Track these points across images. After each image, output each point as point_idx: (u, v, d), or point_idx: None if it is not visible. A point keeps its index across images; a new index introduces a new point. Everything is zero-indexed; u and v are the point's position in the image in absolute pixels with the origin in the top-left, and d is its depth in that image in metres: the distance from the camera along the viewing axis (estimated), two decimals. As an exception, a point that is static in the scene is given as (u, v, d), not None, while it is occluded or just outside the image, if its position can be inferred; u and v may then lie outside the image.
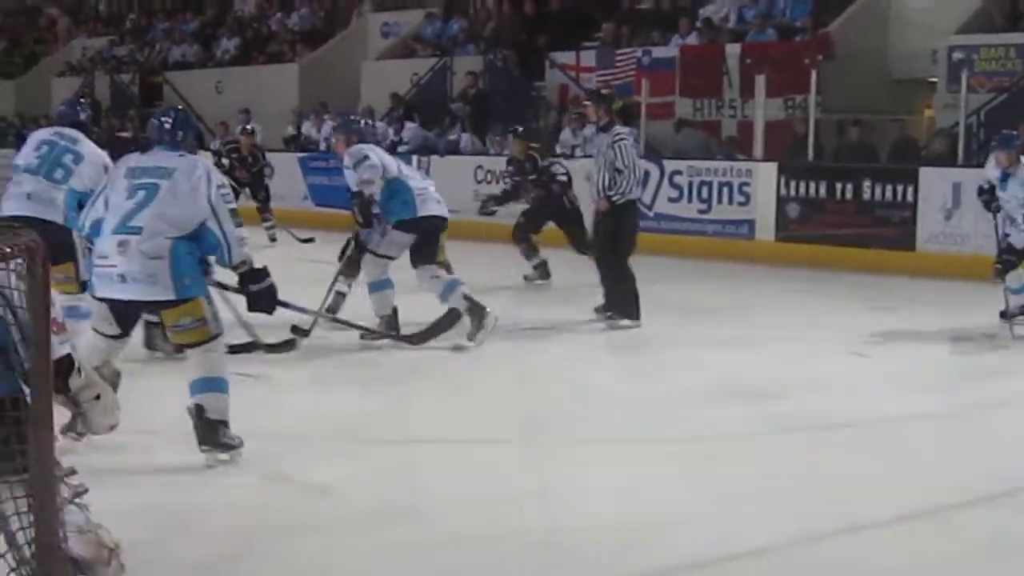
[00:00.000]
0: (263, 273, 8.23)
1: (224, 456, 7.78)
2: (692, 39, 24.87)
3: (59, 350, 4.98)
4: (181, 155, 8.09)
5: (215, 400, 7.83)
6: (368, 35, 32.22)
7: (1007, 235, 12.53)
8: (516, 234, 16.66)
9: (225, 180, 8.69)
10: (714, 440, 8.85)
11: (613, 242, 13.39)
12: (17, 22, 43.82)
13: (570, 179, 16.65)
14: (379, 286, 12.26)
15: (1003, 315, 12.46)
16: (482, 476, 7.93)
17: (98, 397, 5.24)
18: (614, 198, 13.20)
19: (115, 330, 7.95)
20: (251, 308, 8.52)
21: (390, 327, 12.08)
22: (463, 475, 7.90)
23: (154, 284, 7.63)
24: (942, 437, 9.20)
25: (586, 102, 15.64)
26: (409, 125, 26.11)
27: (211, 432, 7.69)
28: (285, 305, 8.93)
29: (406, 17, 31.56)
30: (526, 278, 16.62)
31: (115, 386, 5.45)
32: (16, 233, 4.53)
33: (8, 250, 4.35)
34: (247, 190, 21.01)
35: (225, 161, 20.97)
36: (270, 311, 8.56)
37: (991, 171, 12.61)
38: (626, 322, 13.25)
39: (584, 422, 9.35)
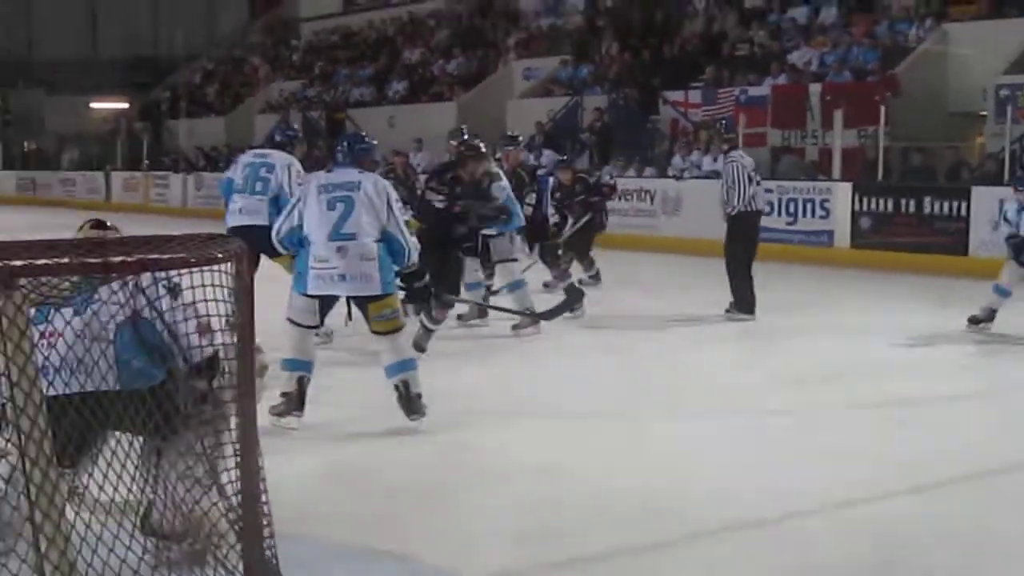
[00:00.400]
0: (422, 273, 8.47)
1: (415, 422, 8.01)
2: (781, 80, 24.83)
3: (206, 348, 5.08)
4: (361, 172, 8.22)
5: (413, 376, 8.08)
6: (513, 78, 32.33)
7: None
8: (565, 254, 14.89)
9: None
10: (796, 414, 8.89)
11: (731, 247, 13.41)
12: (227, 69, 44.29)
13: (615, 185, 16.68)
14: (518, 285, 12.39)
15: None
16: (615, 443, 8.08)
17: None
18: (727, 210, 13.34)
19: (314, 320, 8.18)
20: (408, 300, 8.71)
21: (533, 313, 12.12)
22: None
23: (368, 281, 7.92)
24: (986, 413, 9.20)
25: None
26: (546, 152, 26.24)
27: (415, 402, 7.95)
28: (438, 297, 9.16)
29: (544, 63, 31.59)
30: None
31: (261, 375, 5.50)
32: (225, 240, 4.74)
33: (220, 255, 4.57)
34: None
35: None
36: (425, 302, 8.75)
37: (1012, 210, 12.18)
38: (742, 316, 13.25)
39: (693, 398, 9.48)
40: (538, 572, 5.55)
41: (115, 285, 4.84)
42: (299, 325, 8.12)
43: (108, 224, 5.69)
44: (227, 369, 5.00)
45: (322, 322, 8.58)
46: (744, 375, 10.61)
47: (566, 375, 10.42)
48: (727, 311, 13.37)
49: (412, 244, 8.16)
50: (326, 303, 8.31)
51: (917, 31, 24.15)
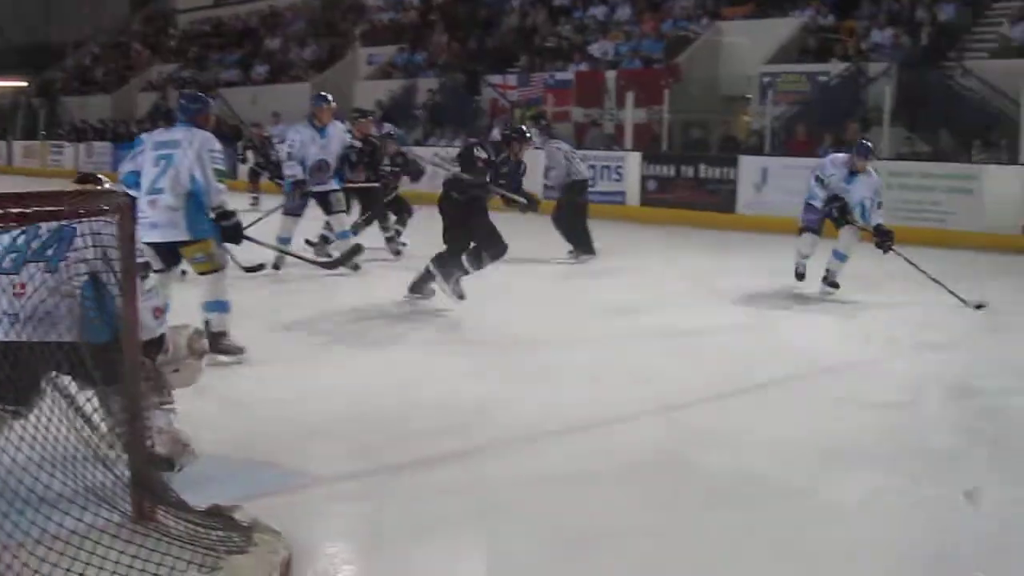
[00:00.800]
0: (232, 214, 8.13)
1: (224, 359, 7.60)
2: (583, 67, 24.86)
3: (159, 328, 5.02)
4: (189, 129, 7.85)
5: (219, 318, 7.76)
6: (358, 63, 31.90)
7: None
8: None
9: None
10: (596, 343, 8.86)
11: (564, 209, 14.19)
12: (112, 53, 43.20)
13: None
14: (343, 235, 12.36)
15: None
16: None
17: (177, 370, 5.18)
18: (552, 183, 14.78)
19: (160, 265, 7.65)
20: (223, 239, 8.39)
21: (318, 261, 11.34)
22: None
23: (175, 228, 7.56)
24: (751, 337, 9.23)
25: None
26: (387, 125, 26.04)
27: (215, 341, 7.45)
28: (251, 239, 8.78)
29: (385, 51, 31.20)
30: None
31: (199, 357, 5.30)
32: (111, 195, 4.46)
33: (106, 207, 4.30)
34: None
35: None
36: (237, 242, 8.46)
37: (833, 169, 11.15)
38: (587, 256, 13.87)
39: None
40: (385, 471, 5.39)
41: (87, 249, 4.47)
42: (154, 270, 7.80)
43: (94, 177, 5.46)
44: (170, 347, 5.10)
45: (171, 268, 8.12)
46: (570, 307, 10.64)
47: (417, 311, 10.12)
48: (570, 252, 13.91)
49: (214, 186, 7.66)
50: (161, 249, 7.84)
51: (695, 27, 24.35)
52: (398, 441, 5.85)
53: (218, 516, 4.31)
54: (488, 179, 10.06)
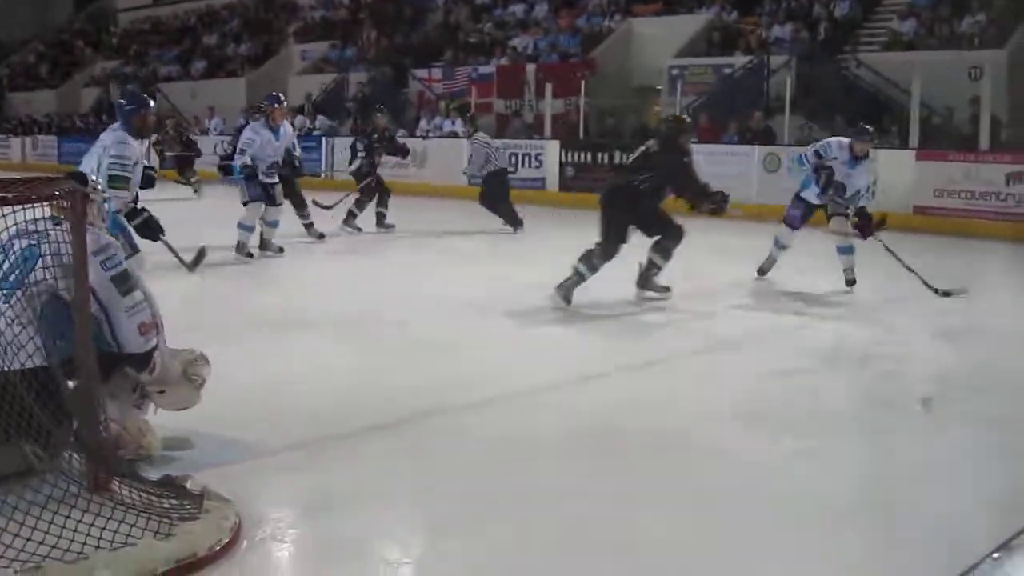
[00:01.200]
0: (140, 212, 8.00)
1: None
2: (505, 61, 24.82)
3: (145, 345, 4.68)
4: (114, 131, 8.00)
5: None
6: (292, 59, 31.57)
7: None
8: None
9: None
10: (519, 318, 8.82)
11: (489, 195, 15.05)
12: (56, 51, 42.46)
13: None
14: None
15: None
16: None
17: (162, 392, 4.94)
18: (474, 173, 15.47)
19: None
20: (142, 236, 8.27)
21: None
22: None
23: None
24: (665, 315, 9.21)
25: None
26: (320, 117, 25.95)
27: None
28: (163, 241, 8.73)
29: (317, 47, 30.95)
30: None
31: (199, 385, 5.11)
32: (60, 182, 4.35)
33: (57, 193, 4.21)
34: None
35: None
36: (154, 238, 8.34)
37: (837, 152, 10.14)
38: (519, 230, 14.69)
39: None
40: (330, 441, 5.33)
41: (49, 269, 4.30)
42: None
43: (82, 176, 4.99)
44: (156, 367, 4.78)
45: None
46: (497, 283, 10.64)
47: (360, 292, 10.07)
48: (504, 226, 14.73)
49: (105, 178, 7.62)
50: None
51: (609, 23, 24.39)
52: (338, 412, 5.79)
53: (171, 485, 4.30)
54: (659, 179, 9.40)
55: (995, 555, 3.91)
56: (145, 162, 8.75)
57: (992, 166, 15.05)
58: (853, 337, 8.45)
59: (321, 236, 13.40)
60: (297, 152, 12.43)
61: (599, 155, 19.29)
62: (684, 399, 6.35)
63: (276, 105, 12.11)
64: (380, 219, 14.73)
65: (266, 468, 4.96)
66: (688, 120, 10.66)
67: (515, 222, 14.80)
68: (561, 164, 19.79)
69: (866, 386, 6.98)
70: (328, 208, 14.49)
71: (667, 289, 9.49)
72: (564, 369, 6.99)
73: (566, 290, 9.04)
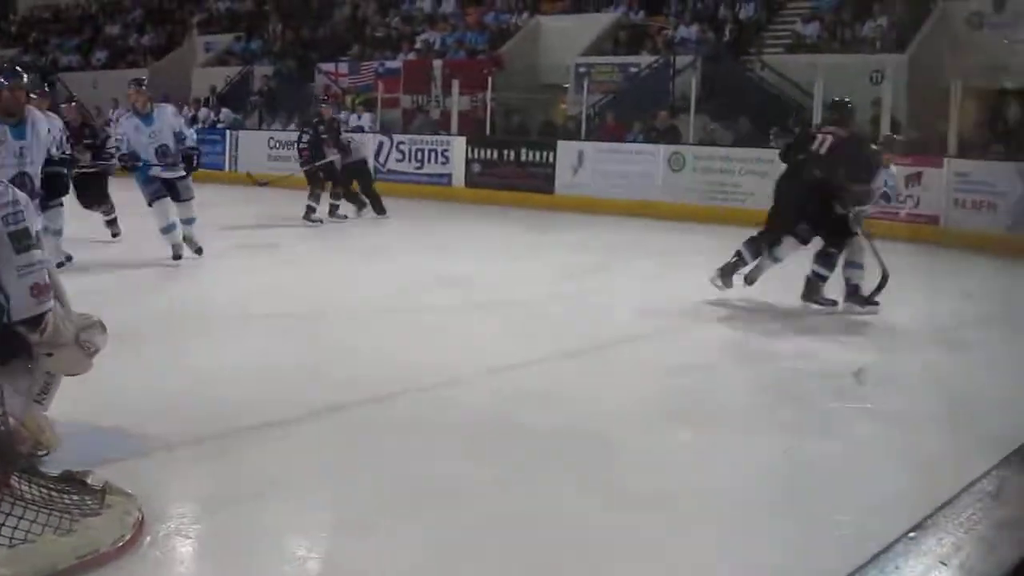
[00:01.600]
0: None
1: None
2: (412, 56, 24.70)
3: (37, 308, 4.42)
4: None
5: None
6: (196, 50, 30.93)
7: None
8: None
9: None
10: (431, 312, 8.80)
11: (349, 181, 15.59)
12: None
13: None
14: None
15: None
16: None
17: (50, 355, 4.62)
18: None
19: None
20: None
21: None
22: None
23: None
24: (579, 305, 9.29)
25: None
26: (224, 110, 25.58)
27: None
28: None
29: (222, 39, 30.43)
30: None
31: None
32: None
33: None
34: None
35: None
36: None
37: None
38: (384, 216, 15.43)
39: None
40: (235, 435, 5.21)
41: None
42: None
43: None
44: (48, 328, 4.48)
45: None
46: (404, 279, 10.46)
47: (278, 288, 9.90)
48: (360, 212, 15.40)
49: None
50: None
51: (516, 20, 24.38)
52: (248, 407, 5.66)
53: (71, 480, 4.18)
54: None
55: (888, 549, 3.90)
56: (54, 149, 8.19)
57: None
58: (748, 333, 8.49)
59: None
60: (188, 140, 11.17)
61: (505, 152, 19.24)
62: (586, 393, 6.33)
63: (131, 89, 11.18)
64: (333, 210, 15.13)
65: (170, 462, 4.85)
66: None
67: (383, 209, 15.61)
68: (467, 160, 19.71)
69: (774, 381, 7.00)
70: (263, 185, 14.36)
71: (834, 303, 9.07)
72: (474, 363, 6.94)
73: (727, 274, 9.19)
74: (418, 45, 24.99)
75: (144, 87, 11.27)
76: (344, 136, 15.84)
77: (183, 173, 11.17)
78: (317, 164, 14.87)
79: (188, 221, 11.28)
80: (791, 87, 18.59)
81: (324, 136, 15.05)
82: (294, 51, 27.74)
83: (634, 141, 18.49)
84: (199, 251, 11.27)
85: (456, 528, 4.17)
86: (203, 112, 25.30)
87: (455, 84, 20.93)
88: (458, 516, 4.29)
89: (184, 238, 11.14)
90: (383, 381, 6.33)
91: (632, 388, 6.48)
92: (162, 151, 11.01)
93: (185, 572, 3.96)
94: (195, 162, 11.22)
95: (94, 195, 12.29)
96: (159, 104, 11.52)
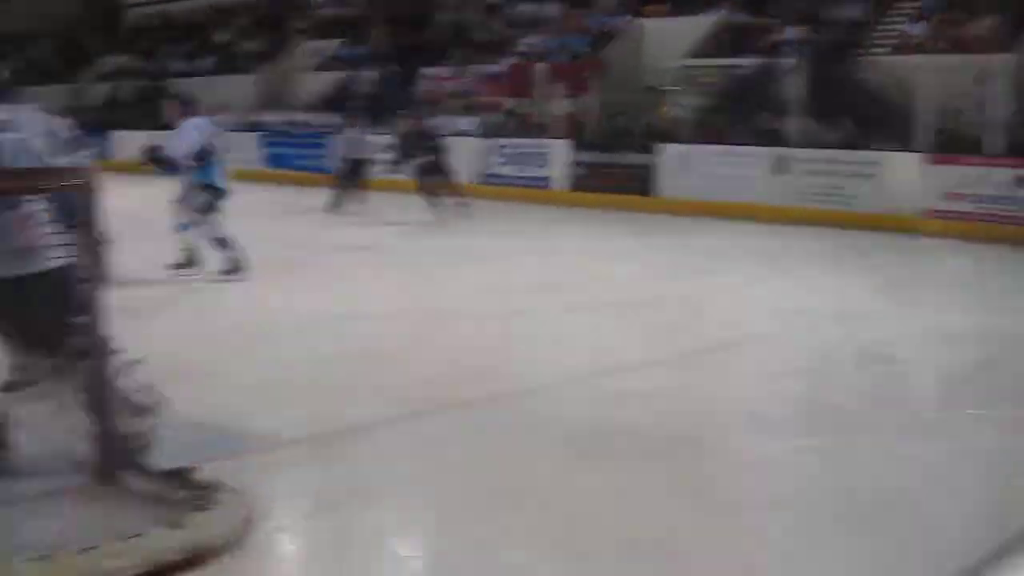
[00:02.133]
0: None
1: None
2: (514, 60, 24.83)
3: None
4: None
5: None
6: (303, 56, 31.62)
7: None
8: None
9: None
10: (532, 314, 8.86)
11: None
12: (65, 46, 42.52)
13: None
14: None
15: None
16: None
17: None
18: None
19: None
20: None
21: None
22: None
23: None
24: (681, 309, 9.29)
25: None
26: (331, 115, 26.01)
27: None
28: None
29: (328, 44, 30.96)
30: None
31: None
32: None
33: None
34: None
35: None
36: None
37: None
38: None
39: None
40: (336, 436, 5.34)
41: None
42: None
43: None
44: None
45: None
46: (505, 283, 10.60)
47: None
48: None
49: None
50: None
51: (619, 23, 24.37)
52: (351, 406, 5.82)
53: (179, 477, 4.28)
54: None
55: (992, 557, 3.91)
56: None
57: (1002, 170, 15.01)
58: (855, 337, 8.41)
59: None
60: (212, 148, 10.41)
61: (607, 155, 19.25)
62: (687, 396, 6.35)
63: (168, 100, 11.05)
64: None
65: (275, 460, 4.99)
66: None
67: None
68: (569, 163, 19.75)
69: (868, 386, 6.94)
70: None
71: None
72: (576, 367, 7.00)
73: None
74: (521, 49, 25.09)
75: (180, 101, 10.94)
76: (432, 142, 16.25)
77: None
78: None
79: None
80: (896, 89, 18.32)
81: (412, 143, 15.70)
82: (398, 56, 28.00)
83: (737, 143, 18.39)
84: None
85: (557, 529, 4.22)
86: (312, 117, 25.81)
87: (558, 88, 20.96)
88: (550, 517, 4.34)
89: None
90: (488, 381, 6.44)
91: (736, 392, 6.50)
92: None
93: (289, 571, 4.04)
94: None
95: None
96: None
